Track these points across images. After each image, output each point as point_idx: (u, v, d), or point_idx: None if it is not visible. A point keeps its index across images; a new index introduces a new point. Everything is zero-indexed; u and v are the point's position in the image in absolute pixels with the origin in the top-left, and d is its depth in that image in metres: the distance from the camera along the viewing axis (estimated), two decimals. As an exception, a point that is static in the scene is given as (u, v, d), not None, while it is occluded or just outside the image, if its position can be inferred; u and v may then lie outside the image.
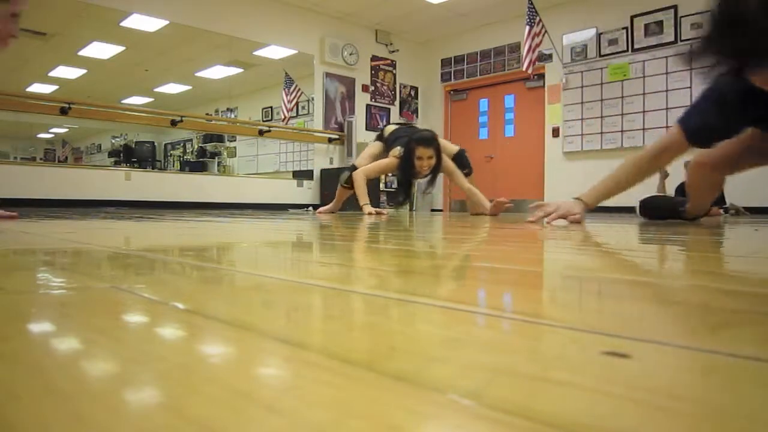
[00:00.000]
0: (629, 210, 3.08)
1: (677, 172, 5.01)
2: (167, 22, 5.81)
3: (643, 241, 1.24)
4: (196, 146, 7.24)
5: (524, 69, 5.87)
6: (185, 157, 7.31)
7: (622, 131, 6.15)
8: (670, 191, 5.08)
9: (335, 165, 7.14)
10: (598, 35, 6.32)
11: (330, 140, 7.11)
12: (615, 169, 2.03)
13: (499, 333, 0.33)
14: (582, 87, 6.46)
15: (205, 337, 0.32)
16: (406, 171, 3.51)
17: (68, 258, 0.76)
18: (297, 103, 6.97)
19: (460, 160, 3.72)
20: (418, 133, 3.52)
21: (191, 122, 6.38)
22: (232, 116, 7.03)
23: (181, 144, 7.46)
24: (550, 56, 6.62)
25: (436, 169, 3.50)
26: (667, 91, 5.83)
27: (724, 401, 0.21)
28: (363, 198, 3.44)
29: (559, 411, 0.19)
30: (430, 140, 3.43)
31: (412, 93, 8.14)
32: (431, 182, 3.66)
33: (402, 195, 3.88)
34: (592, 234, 1.44)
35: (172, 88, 6.97)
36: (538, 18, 5.82)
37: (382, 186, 7.45)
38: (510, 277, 0.60)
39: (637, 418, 0.19)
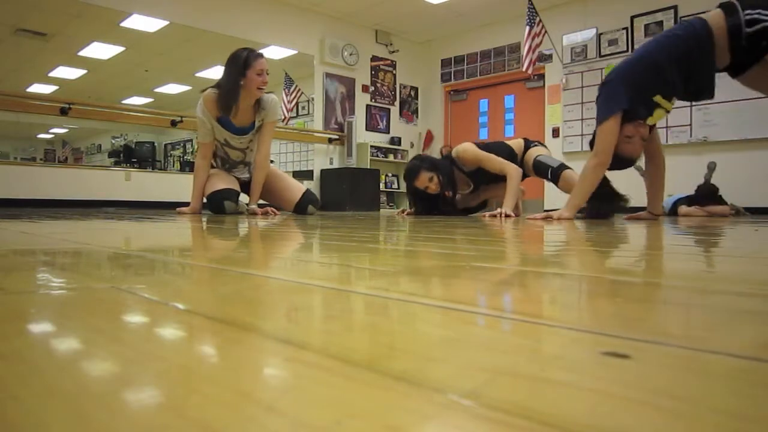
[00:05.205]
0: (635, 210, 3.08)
1: (697, 174, 5.01)
2: (167, 23, 5.80)
3: (638, 241, 1.24)
4: (196, 146, 7.24)
5: (524, 69, 5.86)
6: (185, 157, 7.30)
7: (622, 131, 6.14)
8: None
9: (335, 165, 7.14)
10: (598, 35, 6.32)
11: (330, 140, 7.11)
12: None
13: (499, 333, 0.33)
14: (582, 87, 6.45)
15: (205, 337, 0.32)
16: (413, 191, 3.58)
17: (68, 258, 0.76)
18: (297, 104, 6.97)
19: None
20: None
21: (191, 122, 6.37)
22: (232, 116, 7.02)
23: (181, 144, 7.46)
24: (550, 56, 6.62)
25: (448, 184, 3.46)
26: (667, 91, 5.82)
27: (724, 401, 0.21)
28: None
29: (559, 411, 0.19)
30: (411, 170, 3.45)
31: (412, 93, 8.13)
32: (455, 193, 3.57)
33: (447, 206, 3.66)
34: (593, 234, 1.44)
35: (172, 88, 6.97)
36: (538, 18, 5.82)
37: (382, 186, 7.45)
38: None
39: (637, 418, 0.19)
